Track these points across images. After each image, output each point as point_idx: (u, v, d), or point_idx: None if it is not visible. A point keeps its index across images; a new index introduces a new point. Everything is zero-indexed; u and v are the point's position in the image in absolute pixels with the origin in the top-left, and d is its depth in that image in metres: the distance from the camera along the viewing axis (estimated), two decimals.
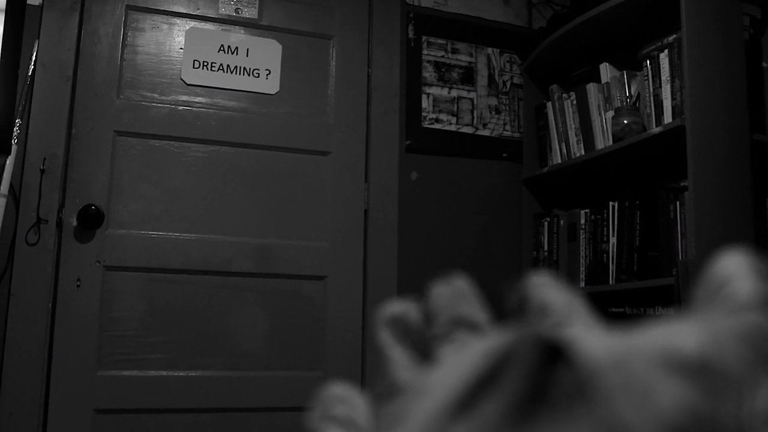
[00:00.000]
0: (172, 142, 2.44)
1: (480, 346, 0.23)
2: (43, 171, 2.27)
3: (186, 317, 2.38)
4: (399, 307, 0.30)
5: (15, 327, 2.20)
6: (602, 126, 2.52)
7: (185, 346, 2.36)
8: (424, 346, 0.28)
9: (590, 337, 0.22)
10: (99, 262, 2.31)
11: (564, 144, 2.67)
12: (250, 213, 2.49)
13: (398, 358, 0.28)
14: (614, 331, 0.23)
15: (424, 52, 2.78)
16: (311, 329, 2.49)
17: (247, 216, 2.48)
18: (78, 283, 2.29)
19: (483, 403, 0.21)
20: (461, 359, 0.23)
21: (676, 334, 0.22)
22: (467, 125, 2.81)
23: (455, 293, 0.29)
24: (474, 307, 0.29)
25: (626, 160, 2.41)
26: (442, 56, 2.81)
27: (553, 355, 0.21)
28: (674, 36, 2.21)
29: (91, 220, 2.29)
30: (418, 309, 0.30)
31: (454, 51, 2.83)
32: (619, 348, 0.22)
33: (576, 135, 2.62)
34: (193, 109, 2.48)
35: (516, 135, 2.88)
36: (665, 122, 2.19)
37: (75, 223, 2.30)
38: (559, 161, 2.68)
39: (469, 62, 2.85)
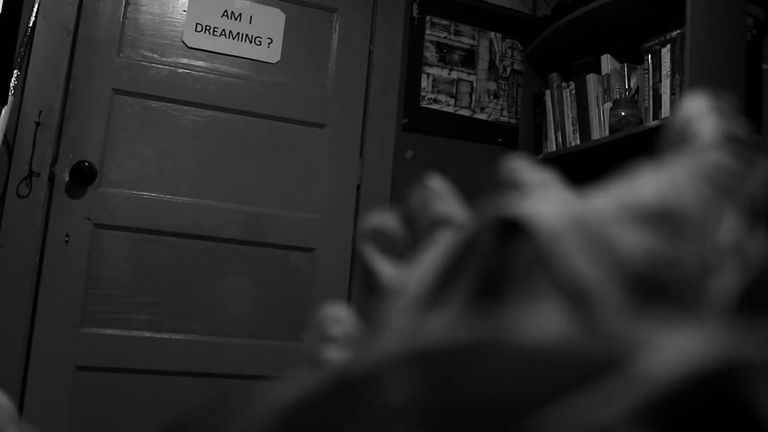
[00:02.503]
0: (170, 105, 2.43)
1: (451, 238, 0.23)
2: (38, 124, 2.26)
3: (173, 280, 2.38)
4: (379, 218, 0.30)
5: (1, 278, 2.20)
6: (599, 117, 2.53)
7: (170, 308, 2.37)
8: (408, 253, 0.28)
9: (547, 206, 0.22)
10: (89, 219, 2.31)
11: (560, 133, 2.68)
12: (244, 180, 2.49)
13: (383, 268, 0.28)
14: (577, 195, 0.24)
15: (427, 32, 2.78)
16: (297, 300, 2.50)
17: (240, 183, 2.48)
18: (66, 238, 2.28)
19: (449, 292, 0.21)
20: (433, 254, 0.24)
21: (634, 187, 0.23)
22: (465, 108, 2.81)
23: (432, 194, 0.29)
24: (451, 205, 0.29)
25: (622, 151, 2.42)
26: (445, 37, 2.81)
27: (512, 232, 0.21)
28: (677, 31, 2.22)
29: (83, 176, 2.29)
30: (397, 217, 0.30)
31: (457, 33, 2.83)
32: (576, 210, 0.22)
33: (573, 124, 2.63)
34: (193, 72, 2.47)
35: (513, 121, 2.88)
36: (663, 116, 2.20)
37: (67, 179, 2.30)
38: (554, 149, 2.69)
39: (471, 45, 2.85)
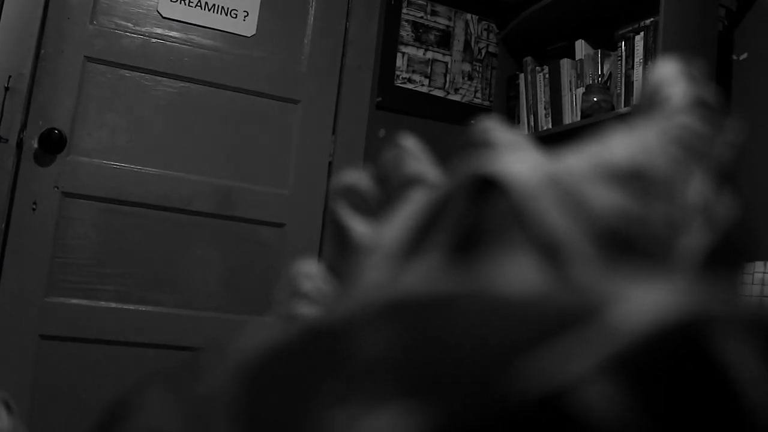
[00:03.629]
0: (143, 75, 2.41)
1: (424, 196, 0.24)
2: (7, 89, 2.22)
3: (141, 251, 2.37)
4: (351, 176, 0.30)
5: None
6: (572, 101, 2.55)
7: (137, 280, 2.35)
8: (380, 210, 0.29)
9: (522, 165, 0.23)
10: (57, 188, 2.28)
11: (533, 116, 2.69)
12: (215, 153, 2.48)
13: (355, 225, 0.28)
14: (550, 156, 0.24)
15: (404, 11, 2.77)
16: (266, 275, 2.50)
17: (211, 156, 2.47)
18: (34, 206, 2.26)
19: (426, 245, 0.22)
20: (406, 212, 0.24)
21: (606, 147, 0.24)
22: (439, 88, 2.81)
23: (404, 153, 0.30)
24: (423, 164, 0.29)
25: (593, 136, 2.44)
26: (421, 17, 2.80)
27: (489, 189, 0.22)
28: (651, 20, 2.24)
29: (53, 144, 2.26)
30: (369, 175, 0.30)
31: (434, 13, 2.83)
32: (550, 169, 0.23)
33: (545, 108, 2.65)
34: (167, 43, 2.44)
35: (486, 103, 2.90)
36: (634, 103, 2.22)
37: (36, 146, 2.27)
38: (526, 133, 2.71)
39: (447, 26, 2.85)
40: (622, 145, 0.24)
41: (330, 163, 2.62)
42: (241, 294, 2.46)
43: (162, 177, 2.40)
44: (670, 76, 0.29)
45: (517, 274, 0.19)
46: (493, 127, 0.28)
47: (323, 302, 0.28)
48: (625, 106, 2.26)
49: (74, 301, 2.28)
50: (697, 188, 0.24)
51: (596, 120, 2.30)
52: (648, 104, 0.29)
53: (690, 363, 0.15)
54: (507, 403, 0.14)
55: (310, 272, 0.30)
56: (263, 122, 2.55)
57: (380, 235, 0.25)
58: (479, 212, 0.22)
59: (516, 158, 0.24)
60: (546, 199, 0.22)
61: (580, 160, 0.24)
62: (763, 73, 2.21)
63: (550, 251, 0.21)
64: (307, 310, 0.28)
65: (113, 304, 2.32)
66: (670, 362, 0.15)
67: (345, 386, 0.16)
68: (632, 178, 0.23)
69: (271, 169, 2.54)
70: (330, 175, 2.61)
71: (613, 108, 2.32)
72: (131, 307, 2.33)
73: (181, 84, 2.45)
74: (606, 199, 0.22)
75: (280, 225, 2.53)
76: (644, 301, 0.15)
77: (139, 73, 2.40)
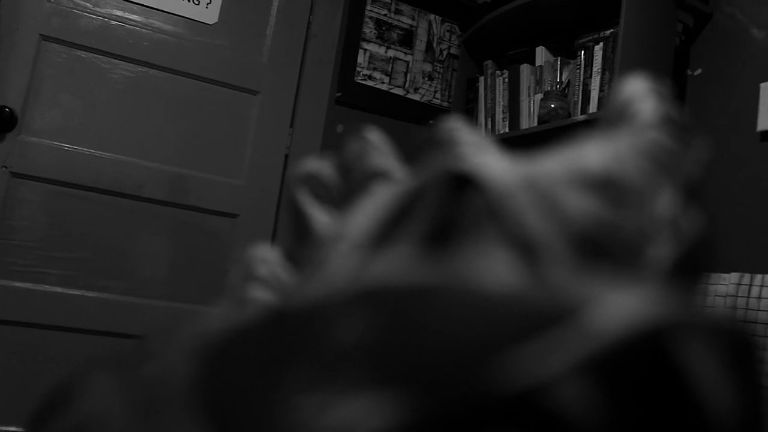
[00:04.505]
0: (101, 57, 2.37)
1: (392, 190, 0.24)
2: None
3: (89, 236, 2.33)
4: (314, 164, 0.30)
5: None
6: (530, 107, 2.57)
7: (85, 265, 2.31)
8: (341, 201, 0.28)
9: (498, 164, 0.23)
10: (5, 167, 2.23)
11: (490, 119, 2.71)
12: (170, 140, 2.44)
13: (316, 213, 0.28)
14: (521, 159, 0.25)
15: (368, 7, 2.77)
16: (216, 266, 2.48)
17: (166, 143, 2.44)
18: None
19: (398, 236, 0.22)
20: (373, 203, 0.24)
21: (581, 154, 0.24)
22: (399, 87, 2.82)
23: (369, 146, 0.30)
24: (387, 159, 0.29)
25: (548, 142, 2.47)
26: (385, 15, 2.81)
27: (463, 185, 0.22)
28: (611, 30, 2.27)
29: (3, 122, 2.20)
30: (333, 165, 0.30)
31: (398, 12, 2.83)
32: (527, 171, 0.23)
33: (503, 112, 2.67)
34: (127, 26, 2.40)
35: (445, 104, 2.91)
36: (590, 111, 2.26)
37: None
38: (483, 135, 2.72)
39: (410, 25, 2.86)
40: (595, 154, 0.25)
41: (286, 156, 2.61)
42: (190, 283, 2.44)
43: (115, 161, 2.36)
44: (640, 92, 0.29)
45: (495, 269, 0.19)
46: (459, 128, 0.28)
47: (279, 287, 0.28)
48: (581, 114, 2.29)
49: (19, 284, 2.23)
50: (665, 201, 0.24)
51: (553, 126, 2.32)
52: (617, 117, 0.29)
53: (656, 368, 0.15)
54: (486, 397, 0.15)
55: (266, 257, 0.30)
56: (221, 111, 2.53)
57: (346, 224, 0.25)
58: (454, 207, 0.22)
59: (492, 158, 0.25)
60: (522, 200, 0.22)
61: (555, 165, 0.24)
62: (716, 89, 2.26)
63: (525, 249, 0.21)
64: (262, 294, 0.27)
65: (59, 289, 2.27)
66: (639, 366, 0.15)
67: (316, 371, 0.16)
68: (605, 186, 0.23)
69: (226, 158, 2.52)
70: (286, 168, 2.60)
71: (569, 115, 2.35)
72: (77, 292, 2.29)
73: (139, 68, 2.42)
74: (580, 204, 0.23)
75: (233, 215, 2.51)
76: (618, 306, 0.16)
77: (96, 55, 2.36)
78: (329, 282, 0.21)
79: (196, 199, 2.46)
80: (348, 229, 0.24)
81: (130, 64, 2.40)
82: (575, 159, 0.25)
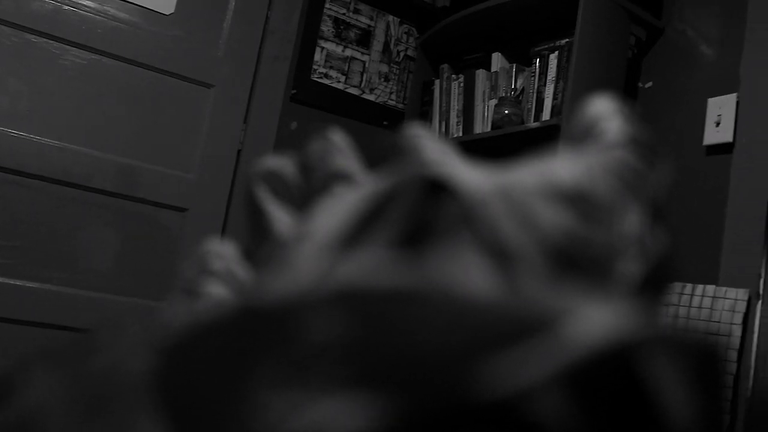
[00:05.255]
0: (52, 42, 2.31)
1: (360, 191, 0.24)
2: None
3: (34, 226, 2.27)
4: (275, 161, 0.30)
5: None
6: (484, 112, 2.60)
7: (28, 254, 2.26)
8: (301, 200, 0.28)
9: (472, 173, 0.23)
10: None
11: (444, 123, 2.73)
12: (121, 131, 2.40)
13: (276, 212, 0.28)
14: (490, 169, 0.25)
15: (327, 5, 2.77)
16: (164, 260, 2.44)
17: (116, 133, 2.39)
18: None
19: (369, 237, 0.22)
20: (341, 204, 0.24)
21: (553, 168, 0.24)
22: (355, 87, 2.82)
23: (331, 147, 0.30)
24: (349, 160, 0.29)
25: (501, 147, 2.50)
26: (344, 14, 2.80)
27: (436, 191, 0.22)
28: (566, 40, 2.30)
29: None
30: (294, 164, 0.30)
31: (356, 11, 2.83)
32: (501, 181, 0.23)
33: (457, 116, 2.69)
34: (80, 11, 2.35)
35: (400, 106, 2.92)
36: (543, 119, 2.29)
37: None
38: None
39: (369, 25, 2.86)
40: (568, 168, 0.25)
41: (239, 152, 2.59)
42: (136, 277, 2.40)
43: (63, 150, 2.31)
44: (607, 112, 0.30)
45: (471, 275, 0.19)
46: (424, 134, 0.28)
47: (235, 283, 0.27)
48: (534, 121, 2.32)
49: None
50: (632, 219, 0.25)
51: (506, 132, 2.35)
52: (582, 135, 0.29)
53: (624, 381, 0.15)
54: (463, 402, 0.15)
55: (222, 252, 0.29)
56: (174, 103, 2.49)
57: (311, 224, 0.24)
58: (427, 212, 0.22)
59: (464, 166, 0.25)
60: (497, 208, 0.22)
61: (528, 176, 0.24)
62: (666, 102, 2.31)
63: (500, 256, 0.21)
64: (217, 290, 0.27)
65: None
66: (610, 378, 0.15)
67: (288, 370, 0.16)
68: (577, 201, 0.24)
69: (177, 151, 2.49)
70: (238, 164, 2.58)
71: (523, 122, 2.38)
72: (18, 282, 2.24)
73: (92, 56, 2.37)
74: (553, 216, 0.23)
75: (183, 210, 2.48)
76: (592, 319, 0.16)
77: (47, 40, 2.31)
78: (299, 281, 0.21)
79: (146, 192, 2.43)
80: (314, 229, 0.24)
81: (83, 51, 2.36)
82: (548, 172, 0.25)
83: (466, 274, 0.20)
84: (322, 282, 0.19)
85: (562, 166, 0.25)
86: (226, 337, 0.17)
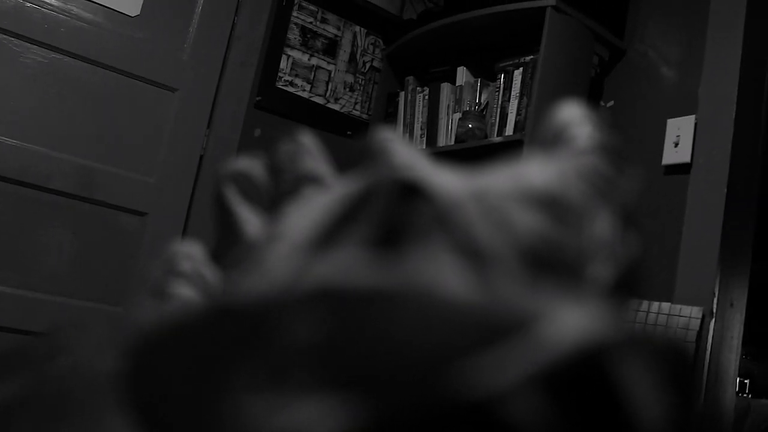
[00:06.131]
0: (12, 39, 2.27)
1: (331, 193, 0.24)
2: None
3: None
4: (244, 163, 0.30)
5: None
6: (448, 125, 2.61)
7: None
8: (269, 203, 0.28)
9: (445, 176, 0.24)
10: None
11: (408, 135, 2.74)
12: (81, 132, 2.36)
13: (245, 213, 0.28)
14: (462, 174, 0.25)
15: (294, 14, 2.76)
16: (123, 264, 2.41)
17: (77, 134, 2.36)
18: None
19: (343, 238, 0.22)
20: (313, 206, 0.24)
21: (526, 173, 0.25)
22: (320, 95, 2.82)
23: (300, 149, 0.30)
24: (319, 163, 0.29)
25: (464, 161, 2.51)
26: (311, 23, 2.80)
27: (409, 194, 0.23)
28: (531, 57, 2.33)
29: None
30: (262, 165, 0.30)
31: (323, 21, 2.84)
32: (475, 184, 0.24)
33: (421, 129, 2.71)
34: (43, 9, 2.32)
35: (364, 116, 2.92)
36: (506, 134, 2.31)
37: None
38: None
39: (335, 35, 2.87)
40: (539, 173, 0.26)
41: (201, 157, 2.57)
42: (94, 280, 2.36)
43: (21, 149, 2.27)
44: (576, 118, 0.30)
45: (447, 276, 0.19)
46: (393, 138, 0.28)
47: (204, 285, 0.27)
48: (498, 136, 2.34)
49: None
50: (603, 225, 0.25)
51: (469, 146, 2.36)
52: (552, 141, 0.30)
53: (598, 383, 0.16)
54: (440, 404, 0.15)
55: (191, 253, 0.29)
56: (137, 106, 2.47)
57: (283, 226, 0.24)
58: (401, 213, 0.22)
59: (436, 169, 0.25)
60: (470, 211, 0.22)
61: (501, 180, 0.25)
62: (626, 122, 2.35)
63: (475, 258, 0.21)
64: (185, 291, 0.27)
65: None
66: (583, 381, 0.16)
67: (264, 371, 0.16)
68: (549, 205, 0.24)
69: (139, 155, 2.46)
70: (200, 169, 2.56)
71: (486, 136, 2.40)
72: None
73: (54, 55, 2.33)
74: (528, 220, 0.23)
75: (143, 214, 2.45)
76: (566, 321, 0.16)
77: (7, 36, 2.27)
78: (273, 281, 0.21)
79: (105, 195, 2.39)
80: (285, 230, 0.24)
81: (44, 50, 2.32)
82: (521, 176, 0.25)
83: (442, 275, 0.20)
84: (297, 282, 0.19)
85: (534, 171, 0.25)
86: (198, 337, 0.17)
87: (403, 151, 0.26)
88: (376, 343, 0.16)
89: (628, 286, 0.25)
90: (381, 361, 0.15)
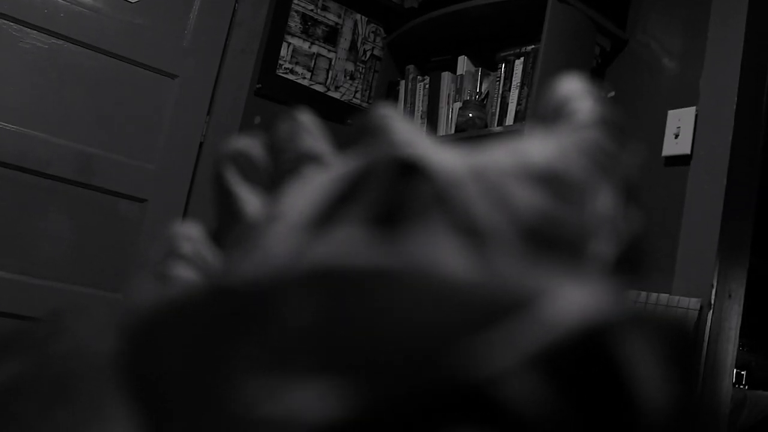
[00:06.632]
0: (11, 24, 2.26)
1: (331, 172, 0.24)
2: None
3: None
4: (243, 142, 0.30)
5: None
6: (448, 114, 2.61)
7: None
8: (269, 182, 0.28)
9: (444, 154, 0.24)
10: None
11: None
12: (81, 118, 2.36)
13: (245, 193, 0.28)
14: (462, 151, 0.25)
15: (295, 1, 2.75)
16: (122, 250, 2.41)
17: (76, 120, 2.35)
18: None
19: (342, 217, 0.22)
20: (312, 185, 0.24)
21: (526, 149, 0.25)
22: (320, 83, 2.81)
23: (299, 127, 0.29)
24: (318, 141, 0.29)
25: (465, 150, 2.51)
26: (312, 10, 2.79)
27: (408, 172, 0.22)
28: (532, 46, 2.33)
29: None
30: (262, 144, 0.30)
31: (324, 8, 2.83)
32: (474, 162, 0.24)
33: (422, 117, 2.70)
34: None
35: (364, 104, 2.92)
36: (507, 123, 2.31)
37: None
38: None
39: (336, 23, 2.86)
40: (540, 149, 0.25)
41: (201, 144, 2.56)
42: (92, 266, 2.36)
43: (20, 135, 2.26)
44: (577, 92, 0.30)
45: (448, 255, 0.19)
46: (393, 115, 0.28)
47: (205, 266, 0.27)
48: (498, 126, 2.34)
49: None
50: (604, 200, 0.25)
51: (469, 135, 2.36)
52: (553, 115, 0.30)
53: (600, 361, 0.16)
54: (441, 385, 0.15)
55: (191, 234, 0.29)
56: (137, 93, 2.46)
57: (282, 205, 0.24)
58: (400, 192, 0.22)
59: (436, 147, 0.25)
60: (470, 189, 0.22)
61: (501, 157, 0.25)
62: (627, 112, 2.34)
63: (475, 237, 0.21)
64: (186, 273, 0.27)
65: None
66: (586, 359, 0.15)
67: (262, 354, 0.16)
68: (550, 181, 0.24)
69: (139, 141, 2.46)
70: (200, 156, 2.55)
71: (486, 126, 2.40)
72: None
73: (54, 40, 2.33)
74: (526, 196, 0.23)
75: (142, 200, 2.45)
76: (569, 300, 0.16)
77: (6, 21, 2.26)
78: (273, 261, 0.20)
79: (105, 181, 2.39)
80: (285, 210, 0.24)
81: (44, 35, 2.31)
82: (521, 152, 0.25)
83: (442, 254, 0.19)
84: (296, 262, 0.18)
85: (534, 147, 0.25)
86: (197, 318, 0.17)
87: (403, 128, 0.26)
88: (373, 324, 0.16)
89: (630, 262, 0.25)
90: (378, 343, 0.15)
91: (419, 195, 0.22)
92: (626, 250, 0.25)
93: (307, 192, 0.24)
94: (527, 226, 0.22)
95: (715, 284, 1.98)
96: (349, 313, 0.16)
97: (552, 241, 0.23)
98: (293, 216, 0.23)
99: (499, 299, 0.16)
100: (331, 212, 0.22)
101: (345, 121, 2.83)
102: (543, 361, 0.15)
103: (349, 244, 0.20)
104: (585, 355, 0.15)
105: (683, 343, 0.17)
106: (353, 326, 0.16)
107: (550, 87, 0.30)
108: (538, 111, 0.30)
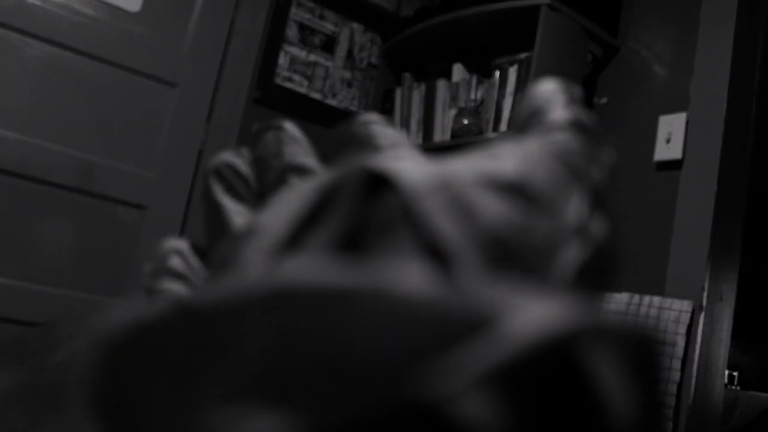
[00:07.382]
0: (13, 34, 2.29)
1: (309, 185, 0.24)
2: None
3: None
4: (228, 156, 0.30)
5: None
6: (443, 121, 2.64)
7: None
8: (256, 194, 0.28)
9: (412, 166, 0.24)
10: None
11: (405, 130, 2.77)
12: (81, 126, 2.39)
13: (230, 206, 0.28)
14: (435, 161, 0.25)
15: (293, 10, 2.79)
16: (121, 257, 2.43)
17: (77, 128, 2.38)
18: None
19: (312, 236, 0.22)
20: (290, 199, 0.24)
21: (493, 159, 0.25)
22: (317, 91, 2.84)
23: (284, 138, 0.30)
24: (303, 152, 0.29)
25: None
26: (309, 19, 2.83)
27: (377, 185, 0.22)
28: (526, 54, 2.36)
29: None
30: (247, 157, 0.30)
31: (322, 17, 2.86)
32: (439, 173, 0.24)
33: (418, 124, 2.73)
34: (45, 6, 2.34)
35: (361, 112, 2.94)
36: (501, 130, 2.34)
37: None
38: None
39: (333, 32, 2.89)
40: (508, 157, 0.25)
41: (200, 151, 2.59)
42: (92, 273, 2.38)
43: (22, 143, 2.29)
44: (551, 95, 0.30)
45: (409, 275, 0.19)
46: (375, 121, 0.27)
47: (193, 280, 0.27)
48: (493, 132, 2.37)
49: None
50: (575, 207, 0.25)
51: (464, 142, 2.40)
52: (528, 119, 0.30)
53: (562, 375, 0.16)
54: (398, 407, 0.15)
55: (180, 249, 0.28)
56: (137, 101, 2.49)
57: (262, 220, 0.24)
58: (368, 208, 0.22)
59: (407, 157, 0.25)
60: (434, 202, 0.23)
61: (468, 167, 0.25)
62: (619, 118, 2.38)
63: (436, 254, 0.21)
64: (173, 287, 0.27)
65: None
66: (547, 374, 0.15)
67: (222, 379, 0.16)
68: (517, 190, 0.24)
69: (138, 149, 2.48)
70: (199, 163, 2.58)
71: (481, 132, 2.43)
72: None
73: (55, 50, 2.36)
74: (493, 207, 0.23)
75: (142, 207, 2.48)
76: (530, 314, 0.16)
77: (8, 31, 2.29)
78: (241, 280, 0.20)
79: (105, 188, 2.41)
80: (263, 226, 0.23)
81: (45, 45, 2.34)
82: (488, 162, 0.25)
83: (403, 273, 0.18)
84: (257, 283, 0.18)
85: (502, 155, 0.25)
86: (164, 339, 0.17)
87: (385, 133, 0.26)
88: (328, 347, 0.15)
89: (600, 267, 0.25)
90: (332, 367, 0.15)
91: (385, 209, 0.22)
92: (595, 255, 0.25)
93: (284, 207, 0.24)
94: (493, 236, 0.22)
95: (706, 287, 2.01)
96: (305, 336, 0.16)
97: (519, 249, 0.23)
98: (269, 234, 0.23)
99: (458, 318, 0.16)
100: (303, 230, 0.22)
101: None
102: (500, 378, 0.15)
103: (313, 265, 0.20)
104: (545, 371, 0.15)
105: (647, 355, 0.17)
106: (307, 351, 0.16)
107: (525, 92, 0.30)
108: (516, 116, 0.29)
